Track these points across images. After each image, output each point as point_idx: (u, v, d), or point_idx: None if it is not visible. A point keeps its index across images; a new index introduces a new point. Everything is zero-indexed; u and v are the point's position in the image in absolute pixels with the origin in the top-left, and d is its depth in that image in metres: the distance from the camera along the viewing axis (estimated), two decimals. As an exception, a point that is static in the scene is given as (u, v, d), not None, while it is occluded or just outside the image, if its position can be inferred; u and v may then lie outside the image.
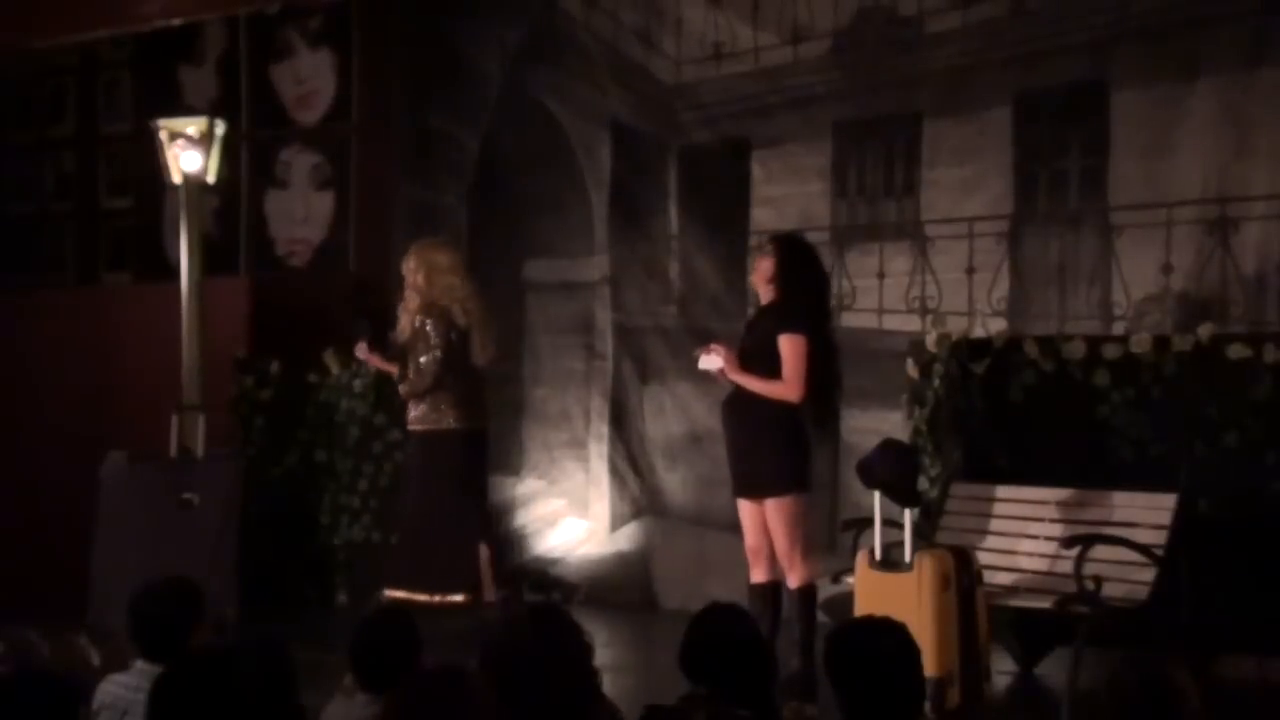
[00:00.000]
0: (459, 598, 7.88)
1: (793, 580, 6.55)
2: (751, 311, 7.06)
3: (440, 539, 8.01)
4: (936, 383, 7.71)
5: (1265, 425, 7.07)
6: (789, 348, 6.46)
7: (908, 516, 6.35)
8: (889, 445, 6.58)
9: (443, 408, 8.05)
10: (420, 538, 8.06)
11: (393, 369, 8.19)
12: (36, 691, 3.49)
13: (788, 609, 6.58)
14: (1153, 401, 7.33)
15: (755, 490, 6.59)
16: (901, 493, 6.39)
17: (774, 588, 6.63)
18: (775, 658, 6.22)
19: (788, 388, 6.46)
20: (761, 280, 6.68)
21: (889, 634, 3.67)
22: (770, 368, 6.51)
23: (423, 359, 8.05)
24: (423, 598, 7.85)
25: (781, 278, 6.59)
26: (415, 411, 8.09)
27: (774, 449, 6.53)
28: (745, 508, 6.68)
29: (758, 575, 6.66)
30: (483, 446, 8.26)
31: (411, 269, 8.15)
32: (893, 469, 6.42)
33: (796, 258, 6.67)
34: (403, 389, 8.11)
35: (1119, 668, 3.52)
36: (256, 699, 3.59)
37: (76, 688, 3.68)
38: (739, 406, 6.63)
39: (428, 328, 8.04)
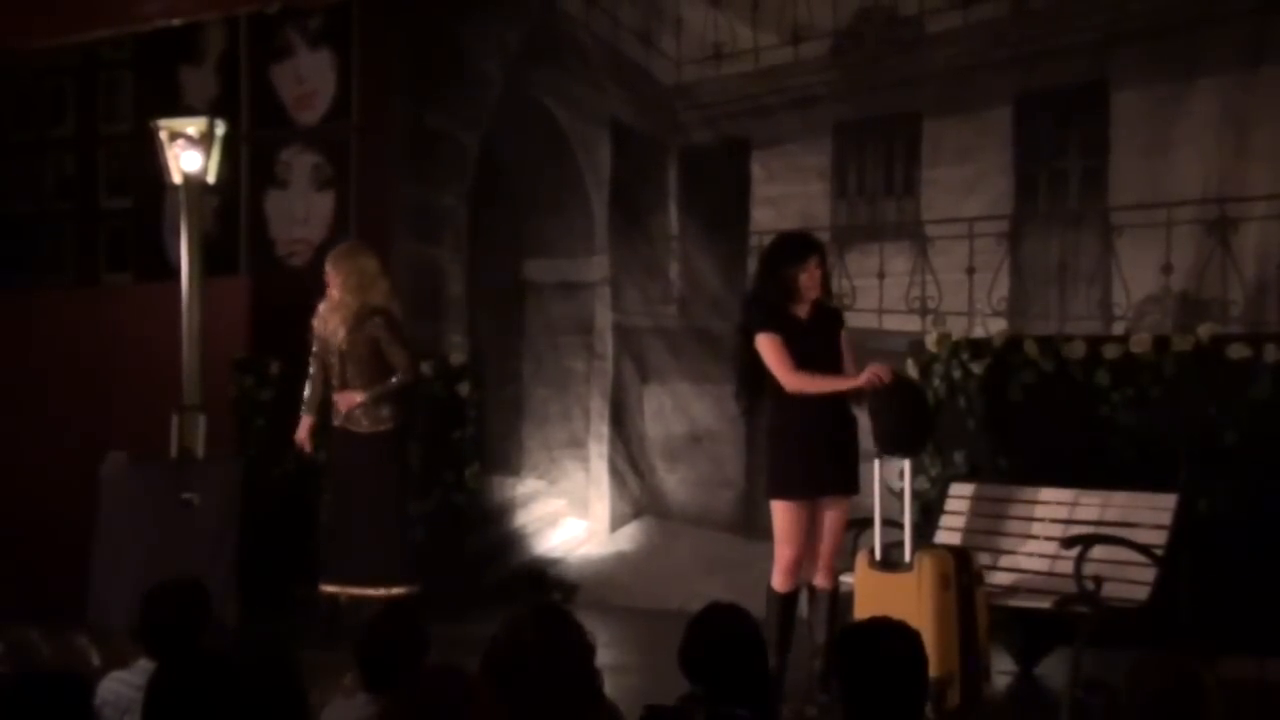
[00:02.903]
0: (404, 590, 7.92)
1: (830, 581, 6.62)
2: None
3: (393, 535, 8.05)
4: (936, 383, 7.72)
5: (1265, 425, 7.07)
6: (849, 339, 6.74)
7: (907, 516, 6.35)
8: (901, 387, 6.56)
9: (386, 409, 8.06)
10: (372, 534, 8.01)
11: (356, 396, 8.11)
12: (52, 692, 3.51)
13: (811, 608, 6.64)
14: (1153, 401, 7.33)
15: (854, 485, 6.65)
16: (905, 439, 6.41)
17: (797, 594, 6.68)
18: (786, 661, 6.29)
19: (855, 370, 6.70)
20: (815, 287, 6.62)
21: (900, 636, 3.68)
22: (842, 361, 6.67)
23: (397, 356, 8.01)
24: (373, 592, 7.90)
25: (827, 280, 6.75)
26: (360, 412, 8.02)
27: (857, 447, 6.67)
28: (803, 511, 6.56)
29: (789, 584, 6.60)
30: (409, 443, 8.52)
31: (346, 272, 8.01)
32: (900, 415, 6.45)
33: None
34: (380, 390, 8.04)
35: (1141, 665, 3.52)
36: (260, 700, 3.58)
37: (88, 688, 3.68)
38: (841, 407, 6.62)
39: (380, 330, 8.00)
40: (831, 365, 6.60)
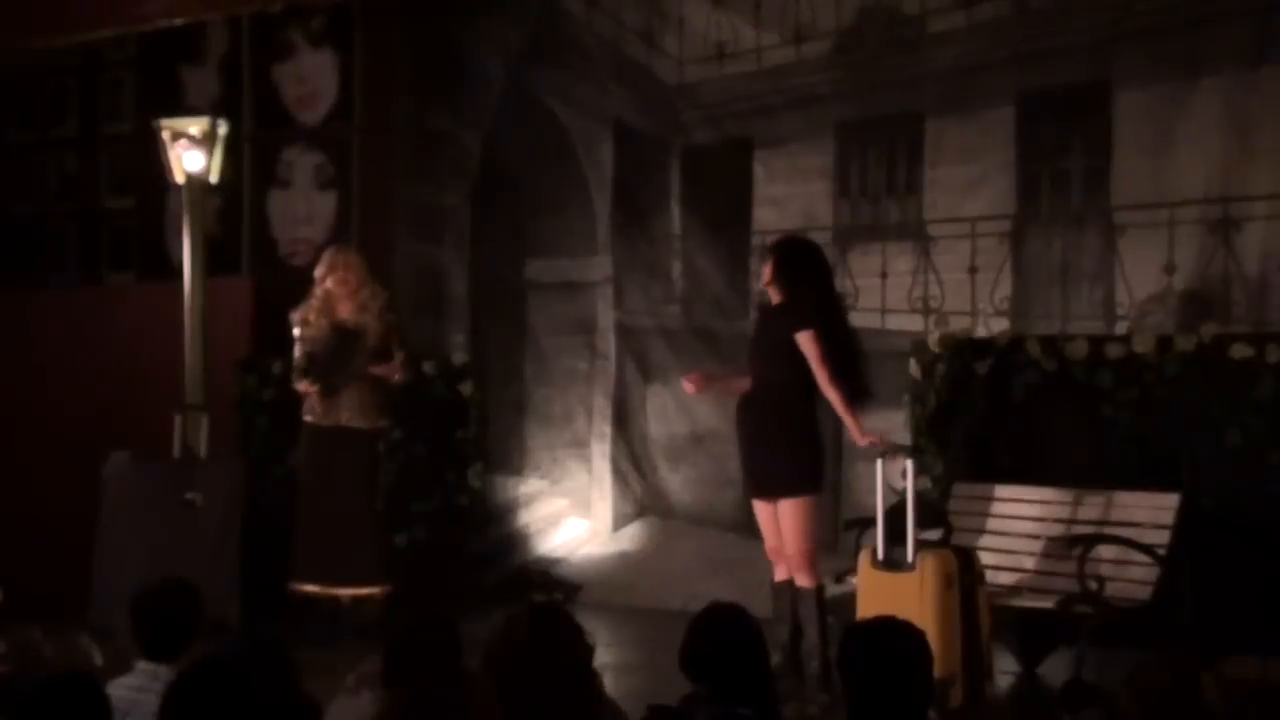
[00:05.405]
0: (378, 590, 7.95)
1: (805, 581, 6.59)
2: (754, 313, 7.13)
3: (374, 533, 8.10)
4: (939, 382, 7.71)
5: (1268, 425, 7.07)
6: (809, 346, 6.57)
7: (910, 516, 6.34)
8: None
9: (380, 406, 8.09)
10: (363, 533, 8.04)
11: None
12: (68, 694, 3.52)
13: (799, 610, 6.61)
14: (1155, 401, 7.33)
15: (769, 491, 6.64)
16: None
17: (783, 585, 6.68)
18: (800, 655, 6.29)
19: (825, 379, 6.56)
20: (766, 283, 6.80)
21: (905, 636, 3.68)
22: (785, 364, 6.61)
23: (400, 355, 8.09)
24: (345, 591, 7.96)
25: (782, 280, 6.70)
26: (363, 409, 8.04)
27: (788, 449, 6.61)
28: (761, 508, 6.73)
29: (781, 574, 6.70)
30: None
31: (357, 266, 8.11)
32: None
33: (794, 259, 6.77)
34: (401, 377, 8.11)
35: (1142, 666, 3.51)
36: (272, 703, 3.59)
37: (102, 690, 3.69)
38: (754, 407, 6.70)
39: (395, 327, 8.10)
40: (776, 362, 6.65)
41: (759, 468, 6.67)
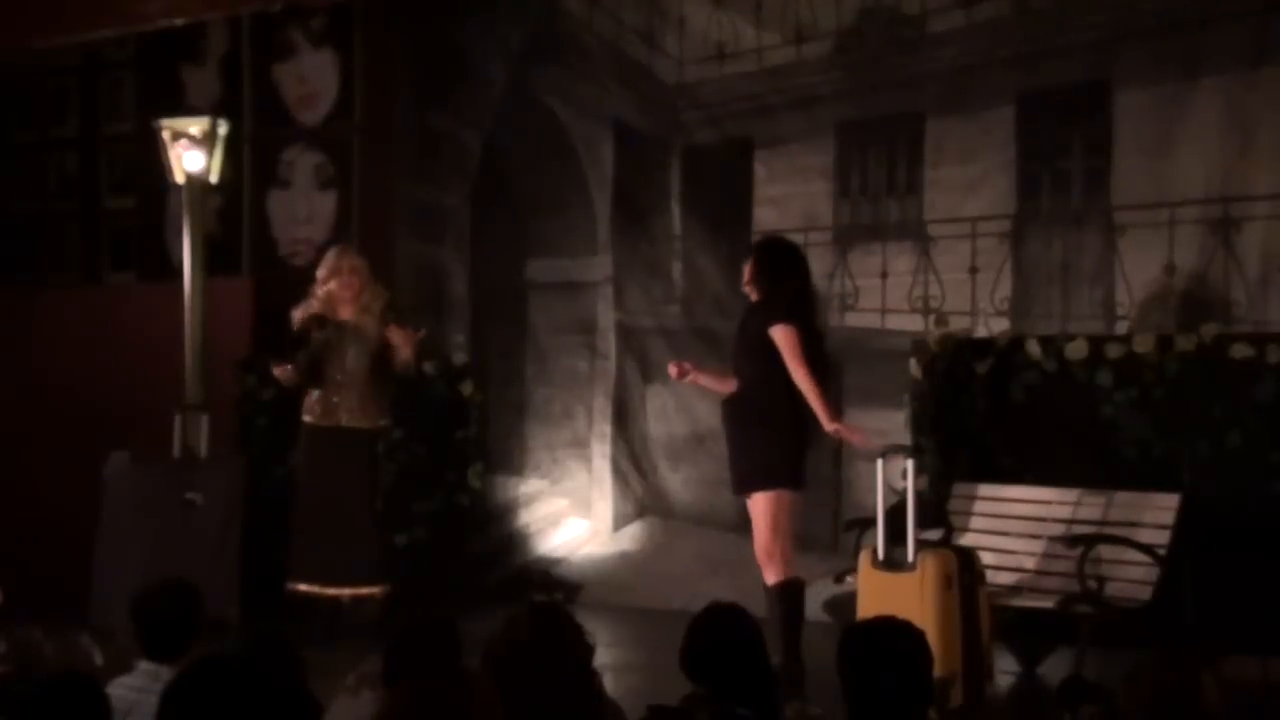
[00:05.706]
0: (377, 590, 7.96)
1: (770, 577, 6.55)
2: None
3: (373, 533, 8.10)
4: (939, 382, 7.72)
5: (1268, 425, 7.07)
6: (783, 338, 6.55)
7: (910, 516, 6.34)
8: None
9: (380, 406, 8.10)
10: (362, 533, 8.04)
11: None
12: (68, 695, 3.53)
13: (766, 607, 6.59)
14: (1155, 401, 7.33)
15: (740, 485, 6.65)
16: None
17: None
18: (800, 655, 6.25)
19: (799, 372, 6.51)
20: (746, 283, 6.81)
21: (905, 635, 3.68)
22: (764, 361, 6.59)
23: (423, 332, 8.11)
24: (344, 592, 7.97)
25: (761, 280, 6.72)
26: (364, 409, 8.05)
27: (761, 443, 6.59)
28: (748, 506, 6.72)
29: None
30: None
31: (361, 269, 8.12)
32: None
33: (772, 259, 6.79)
34: (409, 353, 8.10)
35: (1141, 665, 3.51)
36: (272, 701, 3.58)
37: (102, 692, 3.69)
38: (737, 405, 6.71)
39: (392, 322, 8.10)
40: (753, 359, 6.66)
41: (737, 462, 6.67)
